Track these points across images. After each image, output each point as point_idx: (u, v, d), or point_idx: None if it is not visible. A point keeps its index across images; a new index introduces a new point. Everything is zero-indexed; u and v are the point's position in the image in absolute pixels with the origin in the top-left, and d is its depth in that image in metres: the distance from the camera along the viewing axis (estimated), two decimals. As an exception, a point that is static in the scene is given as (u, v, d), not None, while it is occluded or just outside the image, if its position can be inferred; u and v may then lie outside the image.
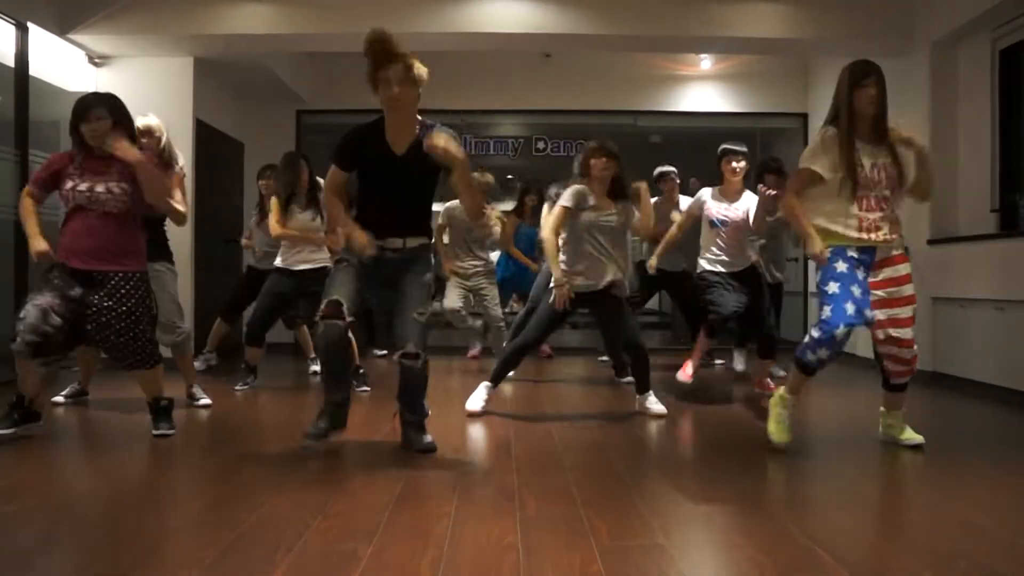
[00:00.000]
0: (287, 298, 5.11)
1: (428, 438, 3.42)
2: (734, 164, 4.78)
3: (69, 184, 3.52)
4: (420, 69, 3.19)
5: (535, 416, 4.31)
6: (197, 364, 5.96)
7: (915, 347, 3.39)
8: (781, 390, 3.47)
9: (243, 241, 6.31)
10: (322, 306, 3.19)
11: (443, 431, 3.91)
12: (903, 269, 3.35)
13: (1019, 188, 5.46)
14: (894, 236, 3.32)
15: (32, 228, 3.54)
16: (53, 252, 3.51)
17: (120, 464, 3.33)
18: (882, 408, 3.66)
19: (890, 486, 2.95)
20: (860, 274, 3.26)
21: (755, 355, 5.24)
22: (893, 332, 3.32)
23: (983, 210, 5.68)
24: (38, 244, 3.49)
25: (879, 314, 3.29)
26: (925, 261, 5.51)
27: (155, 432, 3.64)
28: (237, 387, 5.06)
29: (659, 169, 6.14)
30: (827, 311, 3.22)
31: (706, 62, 8.46)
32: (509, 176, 9.93)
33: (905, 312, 3.33)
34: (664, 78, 8.61)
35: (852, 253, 3.27)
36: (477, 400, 4.31)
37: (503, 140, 9.00)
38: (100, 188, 3.51)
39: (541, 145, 8.92)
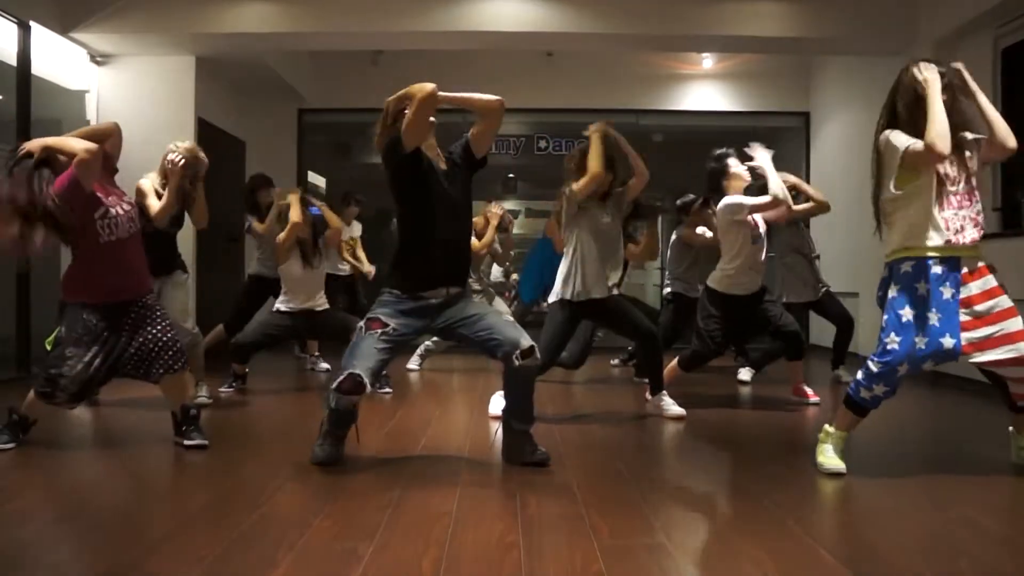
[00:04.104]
0: (281, 336, 5.18)
1: (542, 449, 3.17)
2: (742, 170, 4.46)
3: (107, 210, 3.22)
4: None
5: (537, 415, 4.30)
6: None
7: None
8: (828, 426, 3.13)
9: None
10: (341, 376, 2.99)
11: (444, 431, 3.91)
12: (993, 281, 2.95)
13: (1021, 187, 5.45)
14: (978, 239, 2.93)
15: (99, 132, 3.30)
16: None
17: (122, 463, 3.33)
18: (1012, 429, 3.18)
19: (891, 485, 2.95)
20: (946, 292, 2.88)
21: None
22: (1001, 351, 2.87)
23: (985, 209, 5.65)
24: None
25: (979, 333, 2.89)
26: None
27: (187, 443, 3.38)
28: (222, 389, 5.05)
29: (680, 201, 5.97)
30: (893, 340, 2.88)
31: (708, 61, 8.46)
32: (511, 175, 9.92)
33: (1014, 324, 2.88)
34: (666, 77, 8.61)
35: (936, 269, 2.89)
36: (499, 404, 4.22)
37: (505, 139, 8.98)
38: (126, 207, 3.34)
39: (543, 144, 8.91)
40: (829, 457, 3.07)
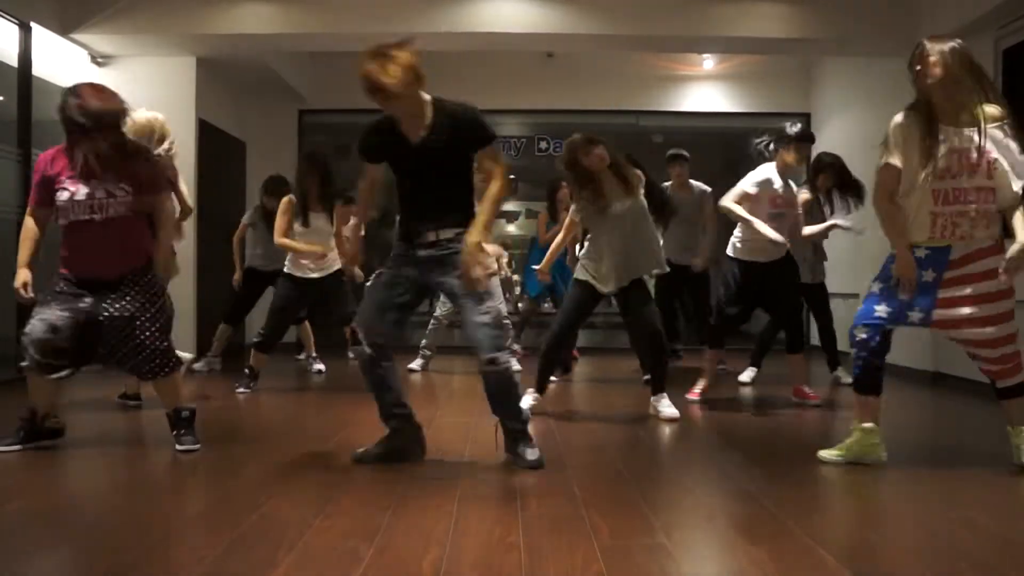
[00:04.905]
0: (298, 306, 5.17)
1: (534, 453, 3.14)
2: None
3: (65, 194, 3.26)
4: (406, 74, 2.84)
5: (537, 415, 4.31)
6: (199, 366, 5.96)
7: (1007, 347, 3.02)
8: (856, 423, 3.17)
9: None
10: (360, 333, 3.09)
11: (445, 431, 3.90)
12: (991, 263, 2.97)
13: (1022, 188, 5.44)
14: (974, 232, 2.95)
15: (23, 255, 3.33)
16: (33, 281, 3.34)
17: (122, 463, 3.33)
18: (1009, 427, 3.14)
19: (891, 486, 2.95)
20: (927, 275, 3.00)
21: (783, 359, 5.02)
22: (973, 332, 3.01)
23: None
24: (21, 275, 3.29)
25: (956, 312, 2.99)
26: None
27: (179, 448, 3.36)
28: (239, 389, 5.04)
29: (670, 152, 6.11)
30: (861, 306, 3.13)
31: (708, 62, 8.46)
32: (511, 176, 9.91)
33: (985, 310, 2.97)
34: (666, 78, 8.61)
35: (919, 253, 3.01)
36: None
37: (506, 140, 8.98)
38: (100, 193, 3.27)
39: (544, 145, 8.91)
40: (835, 448, 3.16)
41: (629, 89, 8.55)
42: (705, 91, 8.67)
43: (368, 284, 3.19)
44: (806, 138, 4.74)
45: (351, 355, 3.16)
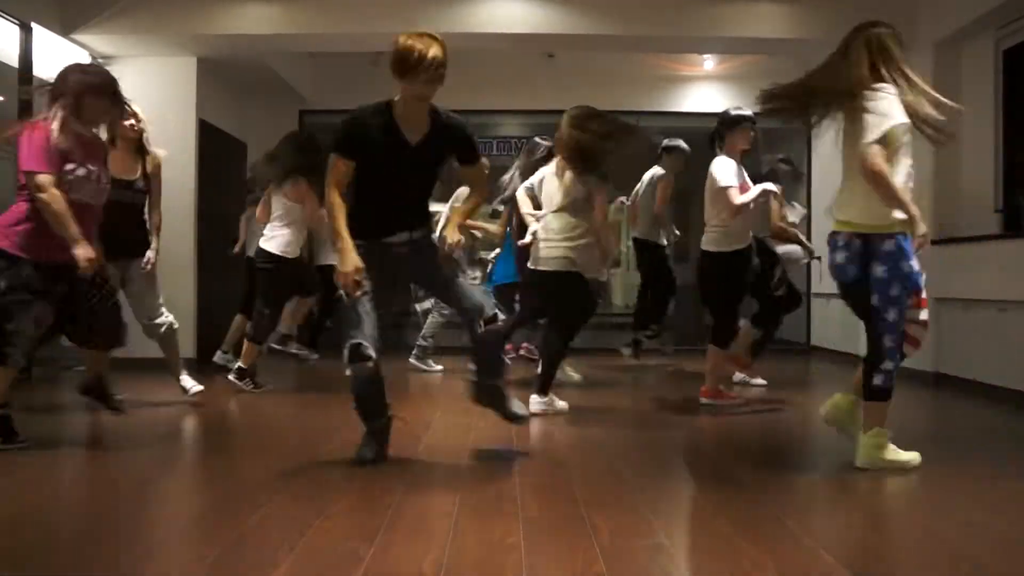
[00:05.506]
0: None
1: (522, 407, 3.39)
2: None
3: (69, 166, 3.19)
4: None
5: (537, 416, 4.31)
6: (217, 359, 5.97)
7: None
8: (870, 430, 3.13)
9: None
10: (345, 351, 2.97)
11: (445, 432, 3.91)
12: None
13: (1022, 189, 5.45)
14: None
15: (75, 230, 3.14)
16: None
17: (123, 463, 3.33)
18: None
19: (893, 487, 2.95)
20: None
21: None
22: None
23: (986, 210, 5.67)
24: (87, 250, 3.19)
25: None
26: (928, 261, 5.49)
27: None
28: (251, 387, 5.08)
29: (666, 142, 6.41)
30: None
31: (709, 62, 8.46)
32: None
33: None
34: (667, 78, 8.61)
35: None
36: (533, 406, 4.24)
37: (506, 140, 8.98)
38: (105, 179, 3.38)
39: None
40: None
41: (629, 89, 8.54)
42: (705, 91, 8.67)
43: (350, 299, 2.98)
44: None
45: (350, 376, 3.03)
